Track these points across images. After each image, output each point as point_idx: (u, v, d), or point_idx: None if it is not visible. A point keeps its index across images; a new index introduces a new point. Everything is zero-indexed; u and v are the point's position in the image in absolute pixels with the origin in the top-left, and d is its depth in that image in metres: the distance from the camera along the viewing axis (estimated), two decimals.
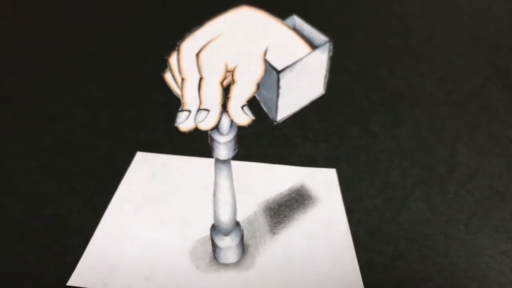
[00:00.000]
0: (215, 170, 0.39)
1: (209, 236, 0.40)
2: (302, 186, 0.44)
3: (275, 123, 0.51)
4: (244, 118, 0.51)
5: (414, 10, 0.63)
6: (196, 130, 0.49)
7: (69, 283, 0.37)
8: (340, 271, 0.38)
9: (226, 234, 0.40)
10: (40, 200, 0.42)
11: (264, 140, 0.48)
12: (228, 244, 0.40)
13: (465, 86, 0.53)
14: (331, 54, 0.52)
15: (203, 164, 0.46)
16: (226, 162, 0.39)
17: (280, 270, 0.38)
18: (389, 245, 0.40)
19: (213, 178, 0.40)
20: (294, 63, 0.51)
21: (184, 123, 0.50)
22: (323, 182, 0.44)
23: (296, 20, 0.58)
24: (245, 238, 0.40)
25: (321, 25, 0.51)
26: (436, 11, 0.62)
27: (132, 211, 0.42)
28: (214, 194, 0.40)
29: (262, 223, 0.41)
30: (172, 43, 0.53)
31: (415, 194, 0.43)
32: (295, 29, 0.58)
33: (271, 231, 0.41)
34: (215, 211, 0.40)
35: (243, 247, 0.40)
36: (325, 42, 0.52)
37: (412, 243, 0.40)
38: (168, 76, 0.54)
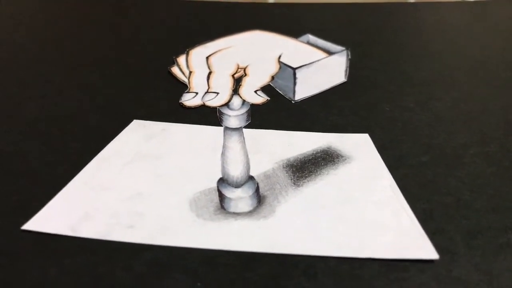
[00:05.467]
0: (224, 136, 0.33)
1: (215, 188, 0.32)
2: (329, 148, 0.36)
3: (292, 101, 0.45)
4: (258, 98, 0.45)
5: (432, 23, 0.61)
6: (202, 106, 0.43)
7: (24, 227, 0.28)
8: (389, 218, 0.29)
9: (237, 187, 0.32)
10: (10, 156, 0.35)
11: (282, 112, 0.41)
12: (239, 195, 0.31)
13: (501, 74, 0.47)
14: (349, 57, 0.49)
15: (210, 131, 0.38)
16: (237, 129, 0.33)
17: (309, 217, 0.29)
18: (449, 196, 0.31)
19: (221, 143, 0.33)
20: (311, 63, 0.47)
21: (190, 100, 0.44)
22: (355, 144, 0.36)
23: (310, 37, 0.56)
24: (261, 191, 0.31)
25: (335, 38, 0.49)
26: (457, 21, 0.61)
27: (120, 165, 0.33)
28: (223, 154, 0.33)
29: (282, 177, 0.33)
30: (179, 54, 0.50)
31: (470, 152, 0.35)
32: (309, 43, 0.55)
33: (294, 183, 0.32)
34: (223, 167, 0.32)
35: (259, 198, 0.31)
36: (342, 50, 0.49)
37: (478, 194, 0.31)
38: (175, 69, 0.50)
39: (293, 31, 0.54)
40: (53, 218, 0.28)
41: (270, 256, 0.26)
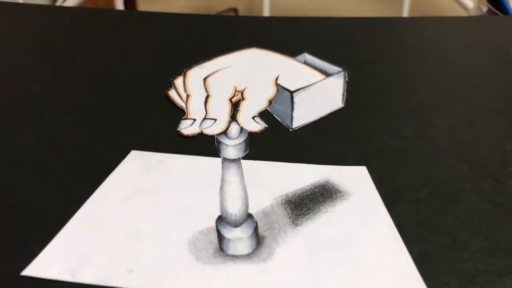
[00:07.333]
0: (223, 168, 0.33)
1: (214, 228, 0.32)
2: (327, 182, 0.36)
3: (290, 129, 0.45)
4: (255, 126, 0.45)
5: (428, 44, 0.61)
6: (200, 135, 0.43)
7: (24, 273, 0.28)
8: (387, 260, 0.29)
9: (236, 226, 0.32)
10: (5, 190, 0.35)
11: (278, 142, 0.41)
12: (238, 235, 0.31)
13: (498, 99, 0.48)
14: (346, 79, 0.49)
15: (208, 162, 0.38)
16: (235, 161, 0.33)
17: (309, 261, 0.29)
18: (445, 236, 0.31)
19: (220, 175, 0.33)
20: (308, 86, 0.47)
21: (188, 128, 0.44)
22: (352, 178, 0.37)
23: (307, 56, 0.56)
24: (260, 230, 0.32)
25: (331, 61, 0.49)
26: (453, 44, 0.61)
27: (119, 200, 0.33)
28: (221, 188, 0.33)
29: (281, 215, 0.33)
30: (177, 73, 0.50)
31: (467, 188, 0.36)
32: (306, 63, 0.55)
33: (293, 222, 0.32)
34: (222, 204, 0.33)
35: (258, 239, 0.31)
36: (339, 71, 0.49)
37: (475, 233, 0.31)
38: (172, 92, 0.50)
39: (289, 44, 0.55)
40: (53, 262, 0.28)
41: None
